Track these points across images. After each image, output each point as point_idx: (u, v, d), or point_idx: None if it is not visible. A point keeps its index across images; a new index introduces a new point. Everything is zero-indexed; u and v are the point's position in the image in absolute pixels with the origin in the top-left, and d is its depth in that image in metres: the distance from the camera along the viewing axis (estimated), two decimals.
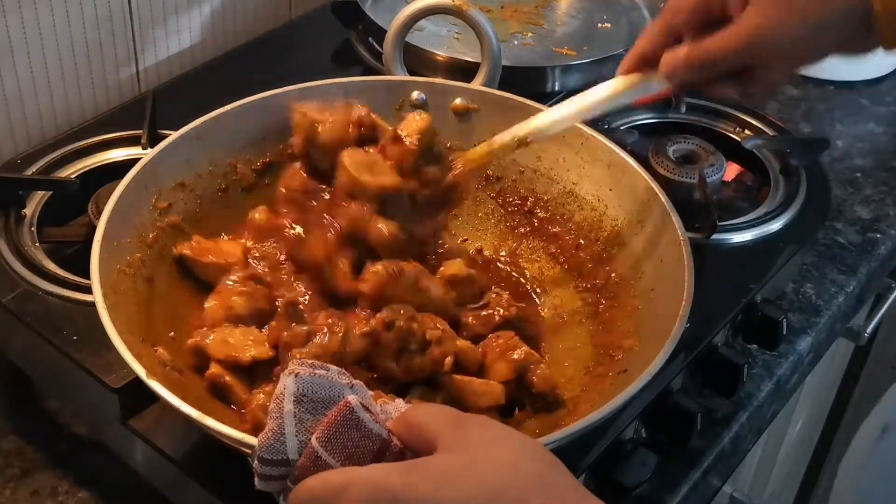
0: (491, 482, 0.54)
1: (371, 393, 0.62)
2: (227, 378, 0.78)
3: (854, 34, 0.77)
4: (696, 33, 0.80)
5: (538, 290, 0.95)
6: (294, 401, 0.58)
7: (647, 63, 0.84)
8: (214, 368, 0.79)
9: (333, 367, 0.61)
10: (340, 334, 0.77)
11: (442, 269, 0.86)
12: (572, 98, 0.87)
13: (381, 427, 0.58)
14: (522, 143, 0.88)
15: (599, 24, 1.33)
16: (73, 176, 1.05)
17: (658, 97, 0.85)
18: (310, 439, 0.58)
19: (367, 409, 0.59)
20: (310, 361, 0.60)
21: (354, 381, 0.61)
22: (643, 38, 0.84)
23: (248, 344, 0.79)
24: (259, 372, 0.79)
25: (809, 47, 0.79)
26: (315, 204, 0.85)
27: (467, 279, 0.86)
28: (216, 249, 0.88)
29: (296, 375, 0.59)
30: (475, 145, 0.91)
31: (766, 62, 0.79)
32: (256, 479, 0.60)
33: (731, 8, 0.78)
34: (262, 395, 0.76)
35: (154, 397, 0.71)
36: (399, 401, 0.63)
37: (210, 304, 0.84)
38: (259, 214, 0.91)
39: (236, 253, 0.88)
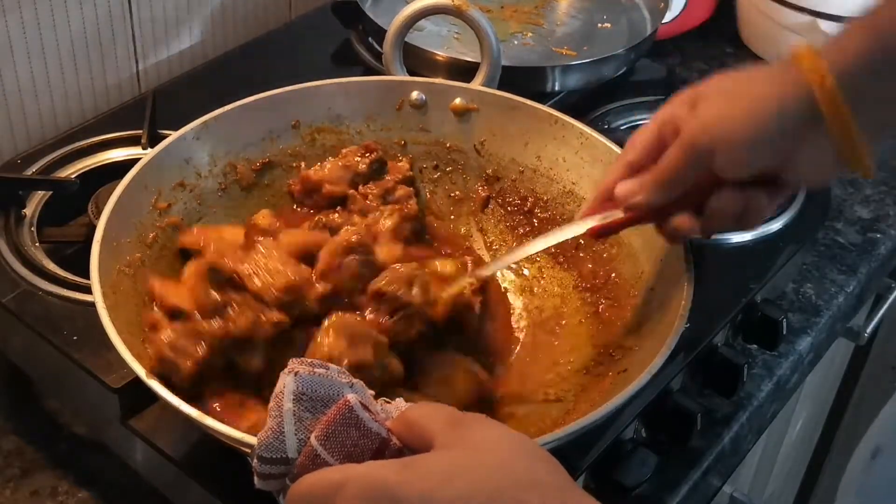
0: (488, 481, 0.54)
1: (371, 392, 0.62)
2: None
3: (816, 142, 0.71)
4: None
5: (537, 289, 0.95)
6: (293, 399, 0.58)
7: (610, 202, 0.80)
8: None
9: (333, 366, 0.61)
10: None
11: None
12: (545, 236, 0.85)
13: (380, 426, 0.58)
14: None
15: (599, 24, 1.33)
16: (73, 176, 1.05)
17: (620, 223, 0.81)
18: (309, 438, 0.58)
19: (366, 408, 0.59)
20: (309, 360, 0.60)
21: (354, 380, 0.61)
22: (606, 179, 0.81)
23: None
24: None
25: (752, 148, 0.72)
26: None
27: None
28: (218, 238, 0.88)
29: (295, 374, 0.59)
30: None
31: (722, 169, 0.73)
32: (256, 478, 0.60)
33: (682, 124, 0.75)
34: (169, 331, 0.75)
35: (154, 397, 0.71)
36: (399, 400, 0.63)
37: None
38: (262, 219, 0.92)
39: (239, 239, 0.88)
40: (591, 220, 0.81)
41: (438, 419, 0.58)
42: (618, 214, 0.80)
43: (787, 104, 0.71)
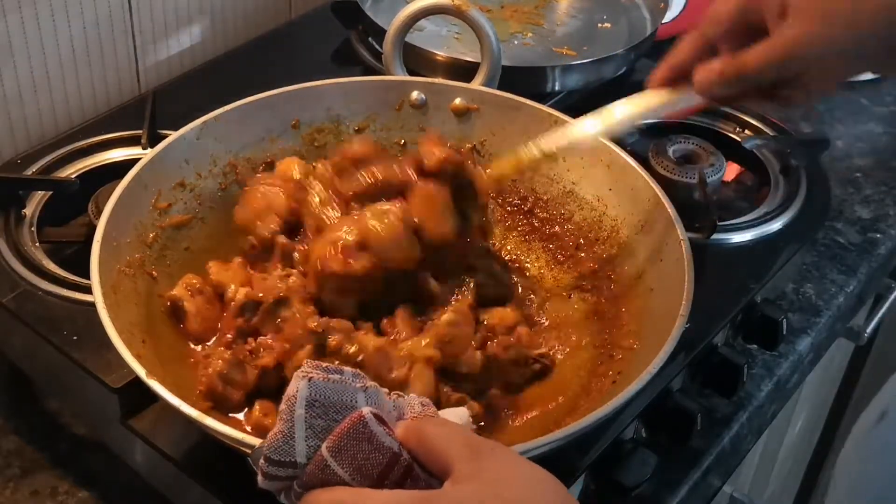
0: None
1: (385, 390, 0.62)
2: (187, 304, 0.83)
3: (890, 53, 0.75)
4: (732, 46, 0.78)
5: (538, 289, 0.95)
6: (306, 406, 0.58)
7: (680, 76, 0.82)
8: (178, 290, 0.83)
9: (348, 370, 0.60)
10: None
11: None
12: (600, 110, 0.86)
13: (392, 440, 0.58)
14: (550, 157, 0.89)
15: (599, 24, 1.33)
16: (73, 176, 1.05)
17: (689, 112, 0.83)
18: (320, 446, 0.58)
19: (380, 419, 0.58)
20: (325, 365, 0.60)
21: (368, 384, 0.60)
22: (677, 50, 0.82)
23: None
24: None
25: (847, 62, 0.76)
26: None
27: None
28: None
29: (309, 380, 0.58)
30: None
31: (801, 76, 0.76)
32: (260, 477, 0.60)
33: (768, 20, 0.76)
34: (220, 362, 0.78)
35: (154, 397, 0.71)
36: (412, 396, 0.63)
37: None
38: (358, 145, 0.89)
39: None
40: (664, 105, 0.83)
41: (457, 444, 0.57)
42: (691, 100, 0.81)
43: (886, 40, 0.73)
